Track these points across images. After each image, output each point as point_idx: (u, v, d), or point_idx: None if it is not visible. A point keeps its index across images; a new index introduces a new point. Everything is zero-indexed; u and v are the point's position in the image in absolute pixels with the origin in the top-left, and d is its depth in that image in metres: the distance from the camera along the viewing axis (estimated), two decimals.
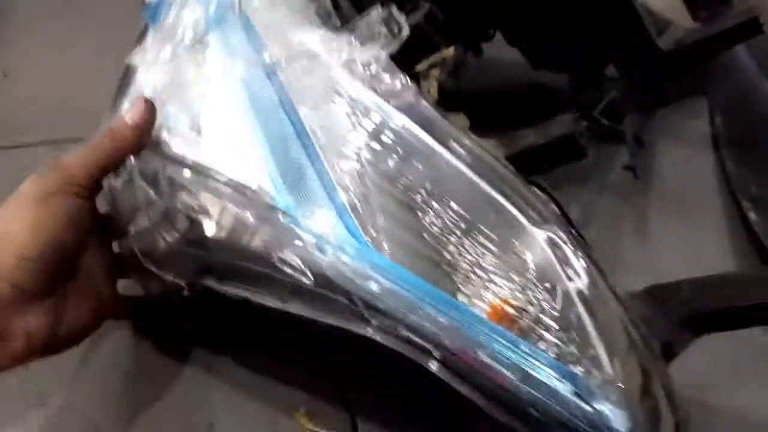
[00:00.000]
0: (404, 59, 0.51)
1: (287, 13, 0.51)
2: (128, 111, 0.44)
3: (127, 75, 0.52)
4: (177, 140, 0.46)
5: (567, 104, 0.75)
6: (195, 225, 0.43)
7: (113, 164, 0.44)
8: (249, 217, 0.41)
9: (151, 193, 0.45)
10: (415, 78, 0.50)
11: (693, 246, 0.66)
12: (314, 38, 0.46)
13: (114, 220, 0.49)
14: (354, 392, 0.50)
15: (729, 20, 0.61)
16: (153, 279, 0.47)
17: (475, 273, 0.39)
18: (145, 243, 0.46)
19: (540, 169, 0.44)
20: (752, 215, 0.69)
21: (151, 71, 0.49)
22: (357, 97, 0.43)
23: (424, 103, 0.43)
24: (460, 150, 0.41)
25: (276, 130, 0.44)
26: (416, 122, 0.42)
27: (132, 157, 0.45)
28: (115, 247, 0.49)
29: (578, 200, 0.68)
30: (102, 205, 0.48)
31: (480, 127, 0.70)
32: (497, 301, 0.38)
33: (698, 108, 0.81)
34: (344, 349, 0.43)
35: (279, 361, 0.52)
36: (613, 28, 0.65)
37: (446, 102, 0.49)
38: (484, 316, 0.38)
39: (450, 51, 0.51)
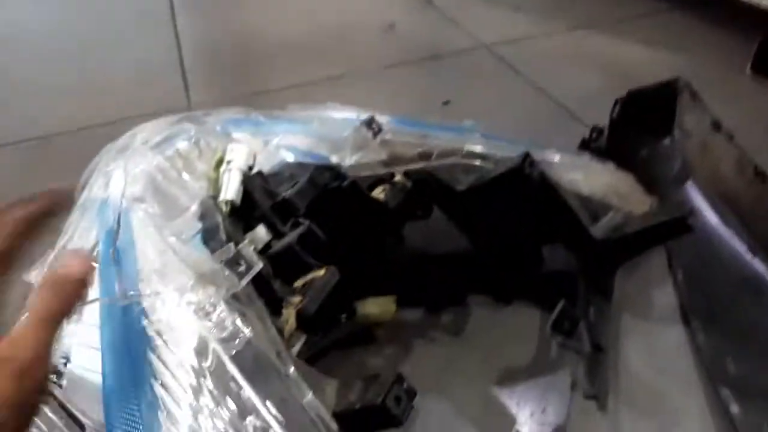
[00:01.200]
0: (280, 276, 0.52)
1: (173, 232, 0.52)
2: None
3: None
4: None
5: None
6: None
7: None
8: None
9: None
10: (278, 303, 0.49)
11: None
12: (173, 275, 0.47)
13: None
14: None
15: (658, 217, 0.58)
16: None
17: None
18: None
19: (364, 429, 0.42)
20: (733, 408, 0.62)
21: None
22: (197, 343, 0.43)
23: (257, 348, 0.43)
24: (280, 410, 0.40)
25: (122, 372, 0.45)
26: (242, 371, 0.42)
27: None
28: None
29: (549, 401, 0.64)
30: None
31: (412, 304, 0.70)
32: None
33: (660, 267, 0.75)
34: None
35: None
36: (545, 216, 0.63)
37: (308, 326, 0.48)
38: None
39: (320, 272, 0.50)
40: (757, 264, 0.69)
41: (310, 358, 0.61)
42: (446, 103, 1.13)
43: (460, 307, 0.74)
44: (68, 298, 0.39)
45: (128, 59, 1.36)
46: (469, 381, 0.67)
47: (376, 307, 0.66)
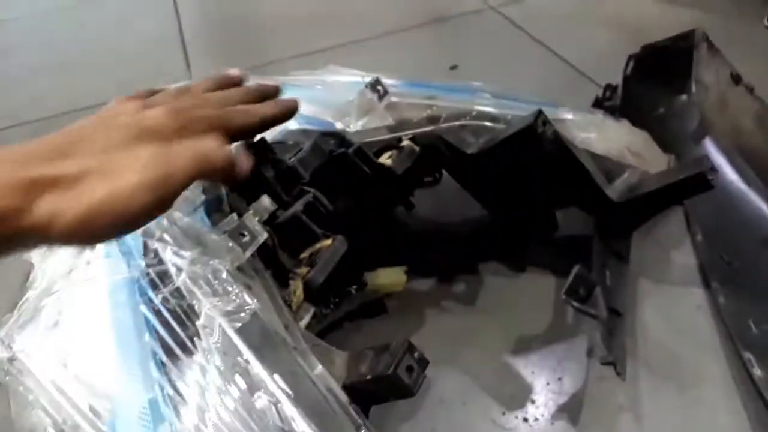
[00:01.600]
0: (286, 248, 0.50)
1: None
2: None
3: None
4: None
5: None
6: None
7: None
8: None
9: None
10: (285, 275, 0.48)
11: (692, 415, 0.59)
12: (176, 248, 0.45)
13: None
14: None
15: (676, 175, 0.55)
16: None
17: None
18: None
19: (375, 400, 0.41)
20: (756, 371, 0.60)
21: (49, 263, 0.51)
22: (202, 318, 0.42)
23: (264, 321, 0.41)
24: (289, 383, 0.39)
25: (127, 348, 0.44)
26: (249, 344, 0.40)
27: None
28: None
29: (566, 369, 0.63)
30: None
31: (424, 274, 0.69)
32: None
33: (678, 228, 0.72)
34: None
35: None
36: (559, 177, 0.60)
37: (316, 297, 0.46)
38: None
39: (327, 242, 0.49)
40: None
41: (321, 331, 0.59)
42: (453, 67, 1.09)
43: (473, 276, 0.72)
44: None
45: (128, 35, 1.34)
46: (484, 350, 0.65)
47: (386, 277, 0.64)
